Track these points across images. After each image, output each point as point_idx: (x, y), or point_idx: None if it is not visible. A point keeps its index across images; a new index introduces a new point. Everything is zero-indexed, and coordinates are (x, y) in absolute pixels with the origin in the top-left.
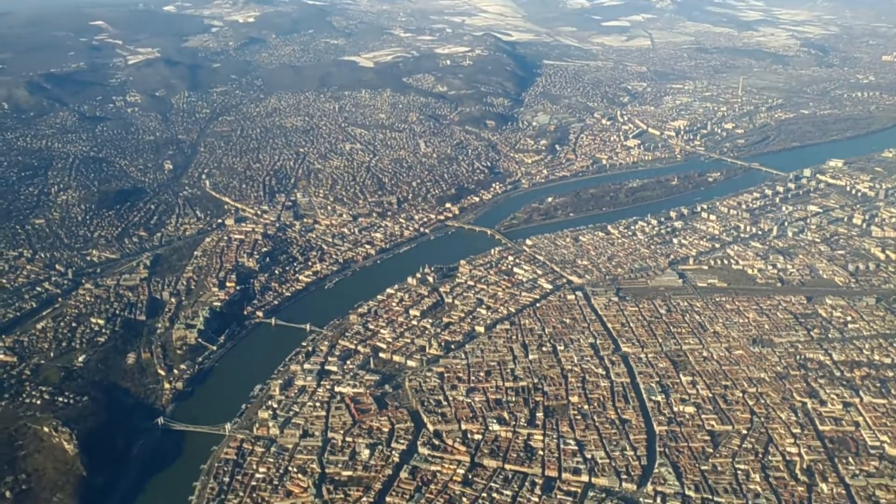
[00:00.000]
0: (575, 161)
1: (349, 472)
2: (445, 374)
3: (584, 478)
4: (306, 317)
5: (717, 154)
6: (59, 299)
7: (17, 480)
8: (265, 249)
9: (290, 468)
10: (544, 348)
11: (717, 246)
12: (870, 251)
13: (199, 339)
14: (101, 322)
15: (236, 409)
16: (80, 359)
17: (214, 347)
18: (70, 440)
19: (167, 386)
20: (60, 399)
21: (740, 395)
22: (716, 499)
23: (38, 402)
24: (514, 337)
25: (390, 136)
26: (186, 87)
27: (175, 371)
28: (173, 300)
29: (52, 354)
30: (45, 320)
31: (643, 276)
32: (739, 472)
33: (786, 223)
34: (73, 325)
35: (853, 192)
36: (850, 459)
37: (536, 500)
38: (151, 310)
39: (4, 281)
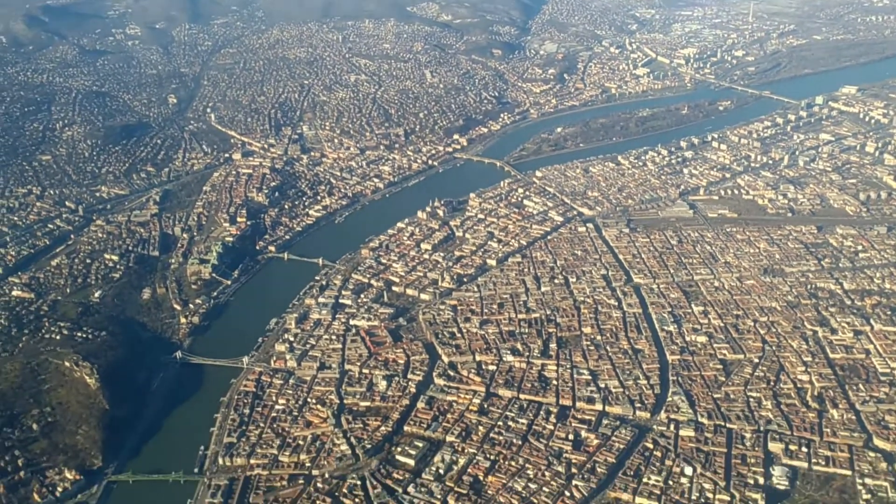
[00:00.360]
0: (584, 90)
1: (367, 403)
2: (458, 307)
3: (598, 406)
4: (318, 251)
5: (728, 82)
6: (72, 236)
7: (42, 413)
8: (274, 184)
9: (308, 399)
10: (556, 280)
11: (728, 176)
12: (882, 179)
13: (214, 274)
14: (115, 258)
15: (253, 342)
16: (97, 294)
17: (229, 282)
18: (91, 374)
19: (183, 320)
20: (79, 334)
21: (752, 324)
22: (728, 426)
23: (58, 337)
24: (525, 269)
25: (395, 66)
26: (187, 18)
27: (191, 306)
28: (185, 236)
29: (68, 290)
30: (60, 257)
31: (654, 207)
32: (751, 399)
33: (797, 152)
34: (88, 261)
35: (866, 119)
36: (861, 386)
37: (551, 428)
38: (164, 245)
39: (16, 218)
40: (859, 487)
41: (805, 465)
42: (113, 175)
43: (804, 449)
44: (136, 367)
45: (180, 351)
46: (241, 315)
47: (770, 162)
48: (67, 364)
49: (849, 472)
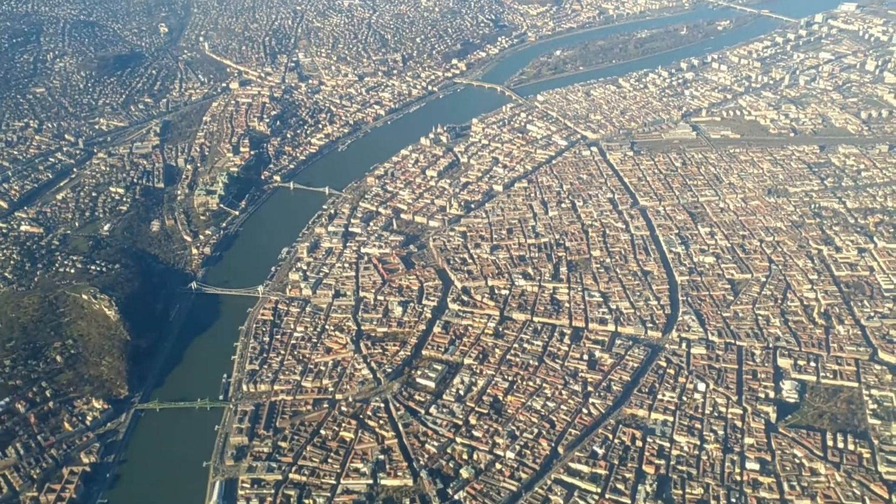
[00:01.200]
0: (581, 12)
1: (384, 329)
2: (468, 233)
3: (611, 327)
4: (323, 180)
5: (726, 1)
6: (74, 169)
7: (64, 346)
8: (274, 113)
9: (326, 327)
10: (563, 205)
11: (729, 97)
12: (882, 98)
13: (221, 205)
14: (121, 191)
15: (266, 271)
16: (106, 228)
17: (236, 212)
18: (110, 306)
19: (195, 251)
20: (93, 267)
21: (758, 244)
22: (738, 343)
23: (72, 270)
24: (532, 194)
25: None
26: None
27: (201, 237)
28: (189, 167)
29: (76, 224)
30: (65, 191)
31: (657, 130)
32: (760, 317)
33: (797, 71)
34: (93, 194)
35: (866, 36)
36: (865, 302)
37: (566, 349)
38: (168, 177)
39: (16, 152)
40: (866, 398)
41: (813, 378)
42: (110, 107)
43: (812, 363)
44: (152, 299)
45: (195, 282)
46: (251, 245)
47: (771, 82)
48: (85, 297)
49: (855, 385)
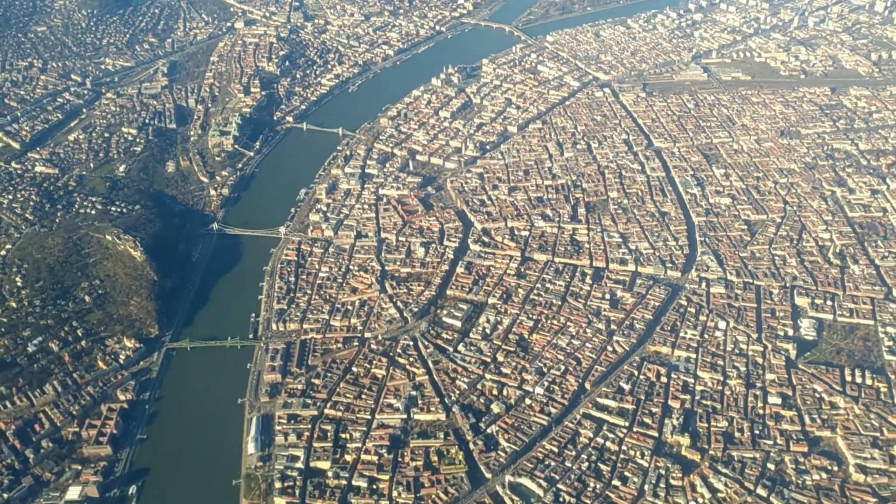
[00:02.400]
0: None
1: (408, 269)
2: (485, 175)
3: (631, 267)
4: (336, 121)
5: None
6: (84, 110)
7: (92, 286)
8: (282, 53)
9: (351, 267)
10: (579, 146)
11: (739, 38)
12: (892, 39)
13: (236, 146)
14: (134, 132)
15: (286, 212)
16: (121, 169)
17: (251, 153)
18: (136, 247)
19: (213, 192)
20: (113, 208)
21: (772, 185)
22: (756, 282)
23: (93, 211)
24: (547, 136)
25: None
26: None
27: (217, 178)
28: (200, 108)
29: (91, 165)
30: (76, 132)
31: (668, 71)
32: (776, 257)
33: (806, 13)
34: (106, 135)
35: None
36: (879, 243)
37: (588, 288)
38: (180, 118)
39: (23, 92)
40: (881, 335)
41: (830, 316)
42: (115, 46)
43: (829, 302)
44: (174, 240)
45: (216, 223)
46: (268, 186)
47: (780, 23)
48: (109, 238)
49: (871, 322)
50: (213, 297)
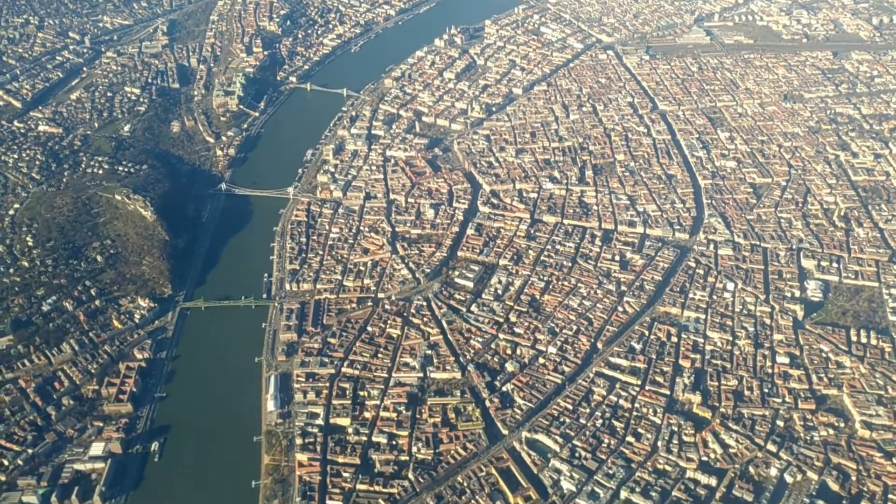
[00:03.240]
0: None
1: (418, 231)
2: (492, 137)
3: (640, 229)
4: (340, 81)
5: None
6: (84, 69)
7: (103, 246)
8: (283, 12)
9: (361, 228)
10: (584, 108)
11: (741, 1)
12: (893, 3)
13: (241, 106)
14: (136, 91)
15: (293, 173)
16: (126, 128)
17: (256, 113)
18: (146, 207)
19: (219, 153)
20: (120, 168)
21: (776, 149)
22: (763, 245)
23: (100, 171)
24: (552, 98)
25: None
26: None
27: (223, 138)
28: (202, 67)
29: (96, 125)
30: (78, 91)
31: (671, 34)
32: (782, 220)
33: None
34: (109, 94)
35: None
36: (883, 206)
37: (598, 250)
38: (182, 77)
39: (21, 50)
40: (886, 297)
41: (836, 278)
42: (112, 4)
43: (834, 264)
44: (184, 200)
45: (224, 183)
46: (275, 146)
47: None
48: (119, 197)
49: (876, 284)
50: (223, 258)
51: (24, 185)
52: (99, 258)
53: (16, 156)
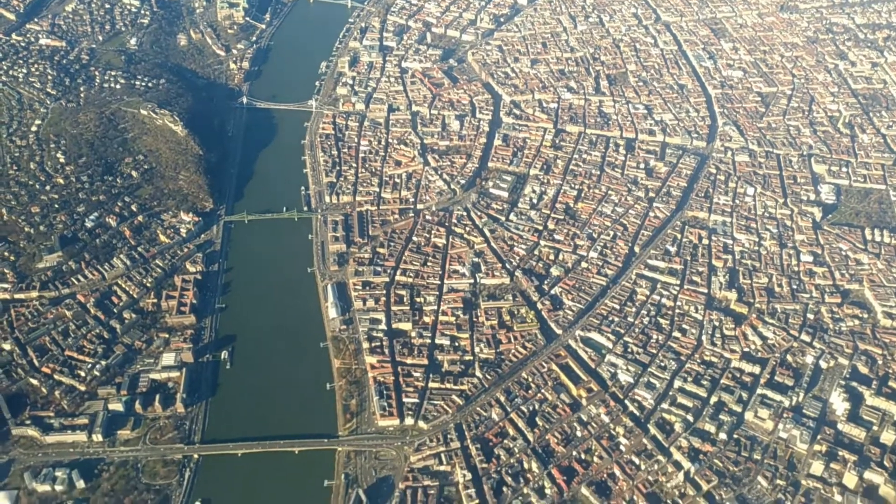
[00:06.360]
0: None
1: (446, 143)
2: (504, 47)
3: (659, 138)
4: None
5: None
6: None
7: (136, 161)
8: None
9: (390, 140)
10: (591, 19)
11: None
12: None
13: (247, 18)
14: (136, 3)
15: (311, 86)
16: (132, 42)
17: (263, 26)
18: (175, 122)
19: (233, 66)
20: (137, 83)
21: (779, 59)
22: (776, 151)
23: (117, 86)
24: (557, 8)
25: None
26: None
27: (234, 51)
28: None
29: (100, 38)
30: (73, 2)
31: None
32: (791, 127)
33: None
34: (107, 6)
35: None
36: (883, 112)
37: (623, 158)
38: None
39: None
40: (893, 198)
41: (846, 182)
42: None
43: (844, 169)
44: (208, 114)
45: (245, 96)
46: (287, 59)
47: None
48: (144, 112)
49: (883, 187)
50: (257, 171)
51: (41, 101)
52: (134, 174)
53: (24, 70)
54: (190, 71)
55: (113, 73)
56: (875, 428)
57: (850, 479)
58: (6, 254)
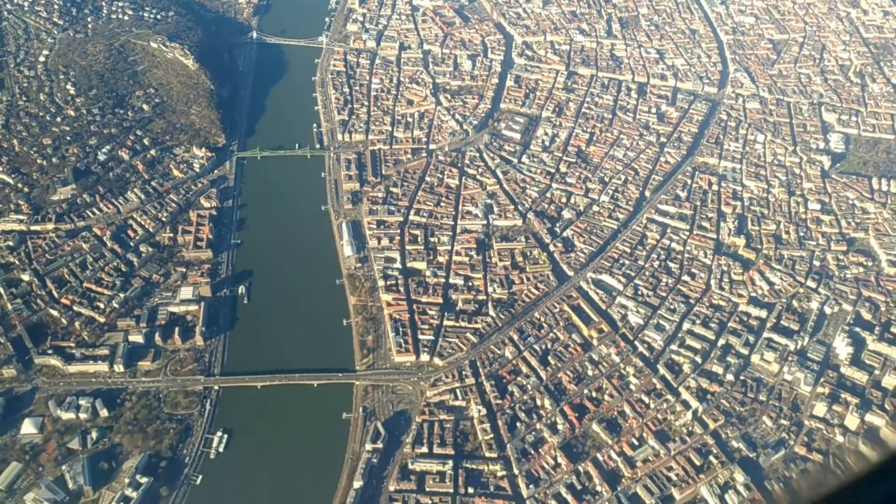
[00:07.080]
0: None
1: (458, 83)
2: None
3: (671, 82)
4: None
5: None
6: None
7: (147, 94)
8: None
9: (402, 79)
10: None
11: None
12: None
13: None
14: None
15: (320, 22)
16: None
17: None
18: (186, 55)
19: (242, 0)
20: (146, 15)
21: (791, 5)
22: (787, 99)
23: (125, 17)
24: None
25: None
26: None
27: None
28: None
29: None
30: None
31: None
32: (802, 75)
33: None
34: None
35: None
36: (894, 62)
37: (634, 102)
38: None
39: None
40: None
41: (856, 131)
42: None
43: (853, 118)
44: (219, 48)
45: (255, 31)
46: None
47: None
48: (154, 45)
49: (892, 137)
50: (268, 107)
51: (48, 31)
52: (145, 107)
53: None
54: (198, 3)
55: (120, 4)
56: (877, 372)
57: (852, 421)
58: (20, 185)
